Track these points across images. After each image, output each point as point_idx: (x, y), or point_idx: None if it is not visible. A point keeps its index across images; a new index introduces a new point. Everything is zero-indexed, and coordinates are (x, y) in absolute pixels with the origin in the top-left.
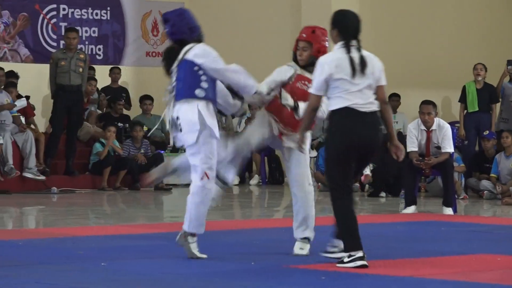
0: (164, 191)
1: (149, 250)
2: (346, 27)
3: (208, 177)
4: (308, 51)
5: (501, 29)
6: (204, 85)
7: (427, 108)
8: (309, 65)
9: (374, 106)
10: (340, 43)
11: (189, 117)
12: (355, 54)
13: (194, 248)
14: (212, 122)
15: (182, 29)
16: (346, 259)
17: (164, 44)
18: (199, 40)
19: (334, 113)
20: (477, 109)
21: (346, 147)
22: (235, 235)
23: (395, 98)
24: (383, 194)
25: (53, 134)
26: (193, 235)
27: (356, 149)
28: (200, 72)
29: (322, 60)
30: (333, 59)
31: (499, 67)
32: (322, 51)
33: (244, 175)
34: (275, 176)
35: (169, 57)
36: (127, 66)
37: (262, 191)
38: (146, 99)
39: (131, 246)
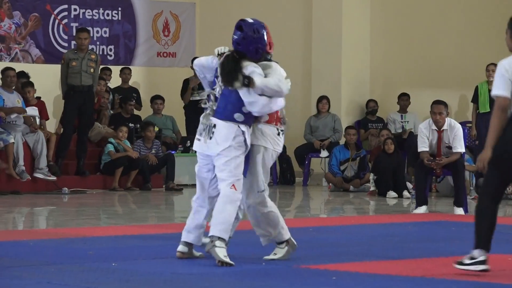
0: (175, 192)
1: (160, 250)
2: None
3: (235, 189)
4: None
5: None
6: (245, 109)
7: (438, 108)
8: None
9: None
10: None
11: (224, 132)
12: None
13: (221, 253)
14: (247, 139)
15: (249, 46)
16: (467, 261)
17: (175, 44)
18: (260, 60)
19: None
20: (489, 109)
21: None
22: (246, 236)
23: (404, 98)
24: (393, 193)
25: (64, 134)
26: (222, 240)
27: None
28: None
29: (502, 62)
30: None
31: None
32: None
33: None
34: (286, 176)
35: (229, 66)
36: (138, 66)
37: (273, 191)
38: (157, 99)
39: (142, 247)
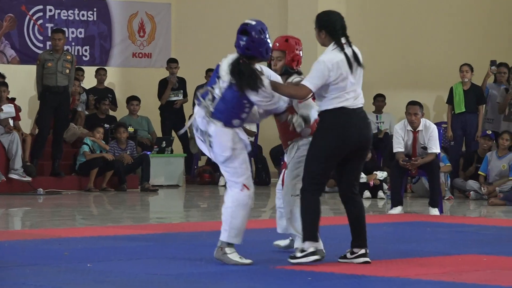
0: (150, 192)
1: (135, 251)
2: (334, 26)
3: (248, 188)
4: (282, 60)
5: (487, 29)
6: (244, 115)
7: (413, 109)
8: (283, 74)
9: (362, 101)
10: (332, 44)
11: (222, 140)
12: (348, 51)
13: (235, 257)
14: (243, 137)
15: (259, 48)
16: (298, 254)
17: (150, 45)
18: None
19: (327, 112)
20: (463, 110)
21: (339, 145)
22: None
23: (380, 99)
24: (367, 193)
25: (39, 135)
26: (230, 245)
27: (350, 147)
28: (246, 101)
29: (325, 59)
30: (333, 63)
31: (486, 68)
32: (296, 59)
33: None
34: (261, 177)
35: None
36: (114, 67)
37: None
38: (132, 100)
39: (117, 247)
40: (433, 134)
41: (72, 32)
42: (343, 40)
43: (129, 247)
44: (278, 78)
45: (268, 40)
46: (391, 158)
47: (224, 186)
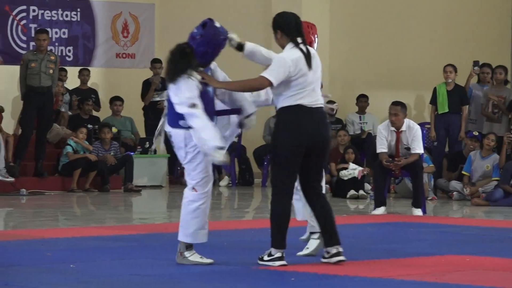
0: (133, 193)
1: (118, 251)
2: (288, 26)
3: (196, 191)
4: None
5: (470, 30)
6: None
7: (394, 109)
8: None
9: (321, 101)
10: (289, 44)
11: (176, 141)
12: (304, 48)
13: (196, 258)
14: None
15: (200, 46)
16: (266, 257)
17: (134, 45)
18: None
19: (284, 110)
20: (447, 110)
21: (296, 145)
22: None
23: (363, 99)
24: (353, 192)
25: (22, 135)
26: (189, 248)
27: (305, 147)
28: None
29: (285, 56)
30: (292, 59)
31: (469, 69)
32: (309, 43)
33: (214, 176)
34: (245, 177)
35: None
36: (97, 67)
37: (232, 193)
38: (116, 100)
39: (100, 248)
40: (416, 134)
41: (56, 33)
42: (299, 40)
43: (112, 247)
44: (226, 79)
45: (216, 49)
46: (375, 159)
47: None
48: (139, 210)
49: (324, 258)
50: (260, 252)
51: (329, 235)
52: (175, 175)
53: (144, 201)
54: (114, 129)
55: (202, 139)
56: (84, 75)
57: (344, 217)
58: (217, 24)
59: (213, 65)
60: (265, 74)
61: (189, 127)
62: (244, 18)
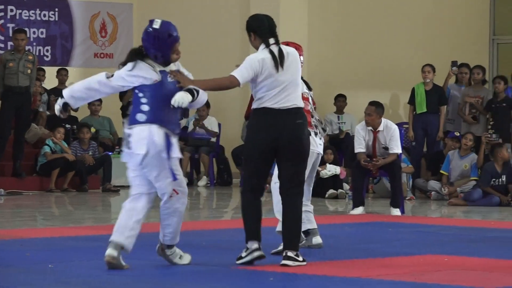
0: (112, 193)
1: (97, 251)
2: (260, 27)
3: (173, 195)
4: None
5: (448, 30)
6: (145, 107)
7: (368, 109)
8: None
9: (294, 103)
10: (262, 45)
11: (135, 140)
12: (274, 49)
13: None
14: (158, 143)
15: (151, 48)
16: (243, 254)
17: (112, 45)
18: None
19: (252, 112)
20: (425, 110)
21: (261, 144)
22: (183, 237)
23: (341, 99)
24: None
25: (0, 135)
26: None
27: (269, 148)
28: (140, 94)
29: (252, 56)
30: (259, 59)
31: (447, 69)
32: None
33: (192, 176)
34: (223, 177)
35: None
36: (75, 67)
37: (210, 193)
38: (94, 100)
39: (79, 248)
40: (394, 134)
41: (34, 32)
42: (271, 41)
43: (90, 247)
44: (190, 77)
45: (167, 51)
46: (353, 159)
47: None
48: (117, 210)
49: (275, 253)
50: (239, 252)
51: (289, 239)
52: None
53: (122, 201)
54: (92, 129)
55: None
56: (62, 75)
57: (322, 217)
58: (173, 25)
59: (177, 64)
60: (234, 72)
61: (145, 122)
62: (222, 19)
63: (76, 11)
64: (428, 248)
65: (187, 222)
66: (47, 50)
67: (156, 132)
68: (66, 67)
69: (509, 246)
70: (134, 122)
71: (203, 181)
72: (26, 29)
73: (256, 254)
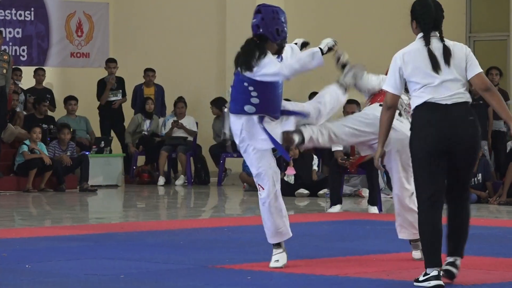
0: (89, 192)
1: (74, 251)
2: (424, 17)
3: (263, 188)
4: None
5: None
6: (255, 100)
7: (350, 108)
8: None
9: (461, 98)
10: (419, 35)
11: (235, 128)
12: (437, 45)
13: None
14: (251, 134)
15: (268, 28)
16: (421, 278)
17: (88, 44)
18: (282, 43)
19: (414, 111)
20: None
21: (427, 145)
22: (160, 236)
23: None
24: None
25: None
26: (276, 246)
27: (441, 148)
28: (250, 88)
29: (396, 55)
30: (405, 52)
31: None
32: None
33: (170, 175)
34: (201, 176)
35: (249, 49)
36: (52, 67)
37: (188, 192)
38: (70, 100)
39: (56, 248)
40: None
41: (10, 32)
42: (434, 34)
43: (68, 247)
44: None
45: (283, 24)
46: (330, 157)
47: (163, 185)
48: (95, 210)
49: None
50: (216, 251)
51: (454, 245)
52: (131, 174)
53: (99, 200)
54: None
55: (304, 63)
56: (39, 74)
57: (299, 215)
58: (269, 4)
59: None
60: (384, 86)
61: (251, 113)
62: (198, 18)
63: (52, 11)
64: (405, 246)
65: (164, 221)
66: (23, 50)
67: None
68: (43, 67)
69: (485, 243)
70: (238, 111)
71: (180, 180)
72: (2, 29)
73: (434, 283)
